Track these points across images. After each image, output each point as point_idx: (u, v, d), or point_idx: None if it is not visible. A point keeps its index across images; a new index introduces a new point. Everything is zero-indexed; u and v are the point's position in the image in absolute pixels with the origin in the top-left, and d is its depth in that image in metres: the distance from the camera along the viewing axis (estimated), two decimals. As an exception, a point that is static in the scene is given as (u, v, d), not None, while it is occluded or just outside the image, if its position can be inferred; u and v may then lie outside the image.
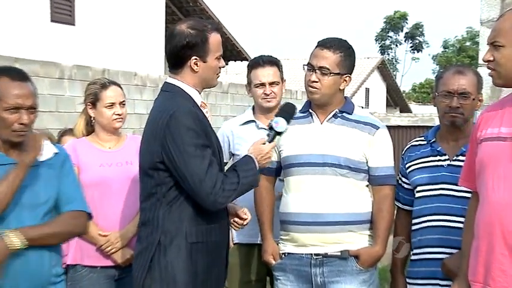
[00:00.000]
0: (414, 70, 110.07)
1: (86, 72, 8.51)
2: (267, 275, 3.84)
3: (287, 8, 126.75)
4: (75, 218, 2.82)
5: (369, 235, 3.24)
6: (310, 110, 3.26)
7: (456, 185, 3.09)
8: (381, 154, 3.22)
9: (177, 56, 2.89)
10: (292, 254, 3.24)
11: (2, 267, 2.60)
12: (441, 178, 3.17)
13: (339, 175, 3.16)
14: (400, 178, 3.38)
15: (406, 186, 3.33)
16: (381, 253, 3.21)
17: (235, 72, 21.81)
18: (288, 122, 3.04)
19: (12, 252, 2.62)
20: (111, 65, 10.23)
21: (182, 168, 2.75)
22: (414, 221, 3.25)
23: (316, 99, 3.19)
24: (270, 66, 3.84)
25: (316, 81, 3.15)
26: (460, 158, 3.15)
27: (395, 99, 35.34)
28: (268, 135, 3.04)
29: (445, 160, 3.20)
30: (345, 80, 3.21)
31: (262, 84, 3.81)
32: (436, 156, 3.23)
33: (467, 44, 51.89)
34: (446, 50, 54.08)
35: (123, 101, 3.61)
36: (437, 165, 3.21)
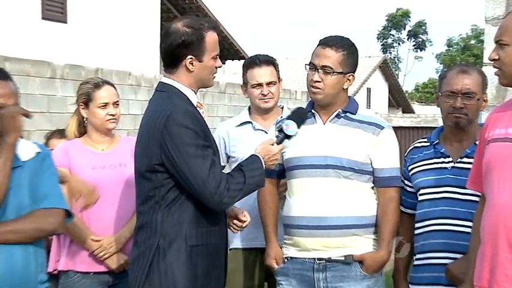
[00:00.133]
0: (417, 69, 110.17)
1: (78, 71, 8.51)
2: (266, 280, 3.84)
3: (286, 5, 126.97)
4: (47, 215, 2.73)
5: (374, 239, 3.24)
6: (313, 111, 3.26)
7: (460, 187, 3.09)
8: (385, 155, 3.21)
9: (172, 55, 2.89)
10: (295, 258, 3.24)
11: None
12: (445, 181, 3.17)
13: (342, 177, 3.16)
14: (402, 181, 3.37)
15: (408, 189, 3.33)
16: (386, 258, 3.20)
17: (232, 71, 21.80)
18: (299, 126, 3.07)
19: None
20: (105, 64, 10.22)
21: (184, 170, 2.76)
22: (417, 225, 3.24)
23: (319, 99, 3.19)
24: (267, 66, 3.84)
25: (319, 81, 3.15)
26: (465, 160, 3.15)
27: (398, 100, 35.36)
28: (277, 136, 3.07)
29: (448, 162, 3.19)
30: (348, 79, 3.21)
31: (260, 85, 3.81)
32: (439, 158, 3.22)
33: (472, 42, 51.96)
34: (450, 48, 54.15)
35: (117, 101, 3.61)
36: (440, 168, 3.21)
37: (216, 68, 2.98)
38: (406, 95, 40.19)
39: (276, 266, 3.31)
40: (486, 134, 2.65)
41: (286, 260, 3.28)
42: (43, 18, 11.53)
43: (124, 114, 8.73)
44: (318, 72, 3.15)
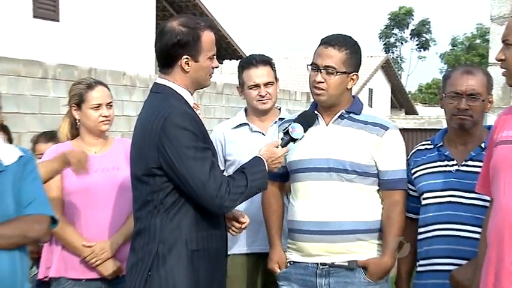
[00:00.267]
0: (420, 69, 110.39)
1: (71, 71, 8.51)
2: (265, 286, 3.84)
3: (285, 3, 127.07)
4: (32, 221, 2.72)
5: (379, 244, 3.23)
6: (316, 112, 3.26)
7: (465, 191, 3.10)
8: (390, 157, 3.21)
9: (167, 54, 2.89)
10: (298, 263, 3.25)
11: None
12: (449, 184, 3.17)
13: (345, 180, 3.16)
14: (405, 184, 3.38)
15: (412, 193, 3.33)
16: (390, 264, 3.20)
17: (230, 72, 21.81)
18: (305, 130, 3.08)
19: None
20: (98, 63, 10.23)
21: (183, 172, 2.76)
22: (421, 230, 3.24)
23: (323, 100, 3.19)
24: (264, 66, 3.84)
25: (322, 82, 3.15)
26: (469, 163, 3.15)
27: (401, 101, 35.39)
28: (282, 139, 3.08)
29: (453, 165, 3.19)
30: (352, 79, 3.21)
31: (257, 86, 3.81)
32: (443, 161, 3.22)
33: (477, 41, 51.99)
34: (455, 48, 54.18)
35: (110, 102, 3.60)
36: (445, 171, 3.21)
37: (213, 68, 2.97)
38: (409, 96, 40.21)
39: (278, 271, 3.32)
40: (495, 136, 2.65)
41: (289, 265, 3.29)
42: (34, 16, 11.53)
43: (118, 115, 8.76)
44: (321, 72, 3.15)
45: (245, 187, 2.85)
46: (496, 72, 3.06)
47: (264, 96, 3.81)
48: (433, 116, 15.70)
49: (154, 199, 2.83)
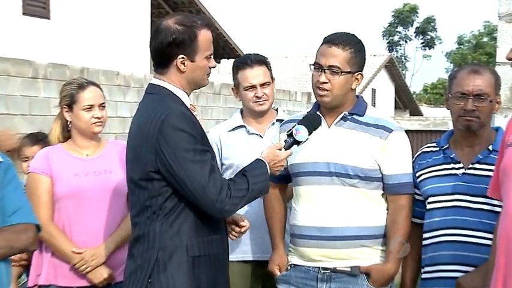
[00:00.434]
0: (425, 69, 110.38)
1: (62, 71, 8.51)
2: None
3: (285, 1, 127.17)
4: (18, 231, 2.70)
5: (383, 250, 3.24)
6: (318, 113, 3.27)
7: (472, 195, 3.10)
8: (394, 160, 3.21)
9: (163, 54, 2.89)
10: (299, 266, 3.26)
11: None
12: (455, 188, 3.17)
13: (348, 185, 3.16)
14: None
15: (416, 197, 3.33)
16: (394, 271, 3.21)
17: (228, 71, 21.74)
18: (310, 132, 3.09)
19: None
20: (91, 63, 10.23)
21: (181, 176, 2.76)
22: (426, 235, 3.25)
23: (327, 102, 3.19)
24: (259, 66, 3.84)
25: (326, 82, 3.15)
26: (476, 166, 3.15)
27: (405, 101, 35.42)
28: (285, 141, 3.08)
29: (459, 168, 3.20)
30: (357, 79, 3.21)
31: (253, 87, 3.80)
32: (449, 164, 3.23)
33: (485, 39, 52.06)
34: (461, 46, 54.25)
35: (103, 103, 3.60)
36: (450, 174, 3.21)
37: (210, 68, 2.97)
38: (414, 96, 40.26)
39: (278, 273, 3.33)
40: (506, 138, 2.65)
41: (289, 267, 3.30)
42: (24, 13, 11.52)
43: (112, 116, 8.76)
44: (325, 72, 3.15)
45: (246, 190, 2.86)
46: (504, 72, 3.07)
47: (260, 98, 3.81)
48: (438, 117, 15.72)
49: (153, 204, 2.83)
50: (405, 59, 55.78)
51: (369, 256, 3.20)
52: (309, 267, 3.23)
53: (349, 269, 3.18)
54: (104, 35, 12.66)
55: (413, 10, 52.98)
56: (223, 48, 16.96)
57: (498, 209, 2.93)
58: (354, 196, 3.17)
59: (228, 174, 3.62)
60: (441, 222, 3.18)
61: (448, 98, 3.24)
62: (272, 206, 3.39)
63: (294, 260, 3.28)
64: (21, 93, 8.02)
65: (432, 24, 54.14)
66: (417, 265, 3.33)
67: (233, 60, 4.12)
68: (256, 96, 3.81)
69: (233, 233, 3.11)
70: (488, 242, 2.93)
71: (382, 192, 3.24)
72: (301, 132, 3.07)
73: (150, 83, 2.98)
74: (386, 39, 54.58)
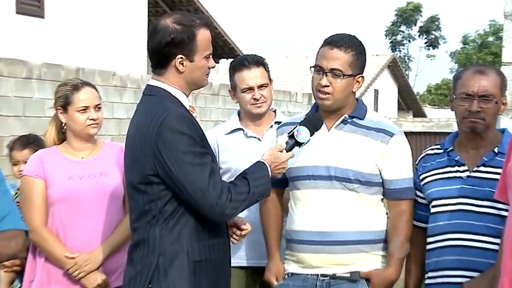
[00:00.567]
0: (429, 69, 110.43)
1: (57, 71, 8.51)
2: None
3: (285, 0, 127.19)
4: (8, 238, 2.68)
5: (383, 255, 3.25)
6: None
7: (477, 199, 3.10)
8: (395, 165, 3.22)
9: (161, 54, 2.89)
10: (297, 274, 3.26)
11: None
12: (460, 191, 3.18)
13: (348, 190, 3.18)
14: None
15: (420, 200, 3.34)
16: (395, 276, 3.22)
17: (227, 71, 21.83)
18: (312, 133, 3.08)
19: None
20: (86, 63, 10.23)
21: (181, 179, 2.76)
22: (429, 239, 3.25)
23: (328, 105, 3.19)
24: (257, 67, 3.83)
25: (328, 86, 3.16)
26: (481, 168, 3.15)
27: (408, 102, 35.42)
28: (287, 143, 3.08)
29: (464, 171, 3.20)
30: (358, 81, 3.22)
31: (250, 89, 3.80)
32: (454, 166, 3.23)
33: (490, 39, 52.03)
34: (466, 46, 54.24)
35: (99, 104, 3.61)
36: (455, 177, 3.21)
37: (209, 68, 2.98)
38: (417, 97, 40.26)
39: (275, 282, 3.33)
40: None
41: (286, 276, 3.30)
42: (17, 12, 11.52)
43: (108, 118, 8.76)
44: (326, 75, 3.15)
45: (247, 194, 2.86)
46: (510, 72, 3.07)
47: (258, 100, 3.80)
48: (442, 119, 15.73)
49: (152, 209, 2.83)
50: (408, 59, 55.77)
51: (369, 261, 3.21)
52: (307, 275, 3.23)
53: (348, 275, 3.18)
54: (100, 34, 12.66)
55: (417, 9, 52.96)
56: (222, 48, 16.97)
57: (504, 213, 2.94)
58: (353, 201, 3.18)
59: (225, 179, 3.60)
60: (445, 226, 3.18)
61: (453, 99, 3.24)
62: (268, 211, 3.38)
63: (291, 268, 3.28)
64: (15, 94, 8.02)
65: (436, 23, 54.12)
66: (421, 270, 3.33)
67: (232, 60, 4.12)
68: (254, 99, 3.80)
69: (234, 236, 3.10)
70: (494, 247, 2.94)
71: (381, 197, 3.26)
72: (302, 133, 3.07)
73: (148, 84, 2.98)
74: (389, 39, 54.57)
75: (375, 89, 31.87)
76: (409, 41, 54.97)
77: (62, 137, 3.63)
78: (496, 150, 3.16)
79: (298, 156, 3.21)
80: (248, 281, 3.78)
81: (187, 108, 2.95)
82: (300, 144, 3.08)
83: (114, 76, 9.64)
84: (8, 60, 8.12)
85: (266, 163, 2.98)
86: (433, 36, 54.31)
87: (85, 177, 3.51)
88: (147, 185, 2.82)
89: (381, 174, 3.21)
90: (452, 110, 3.29)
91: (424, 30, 53.98)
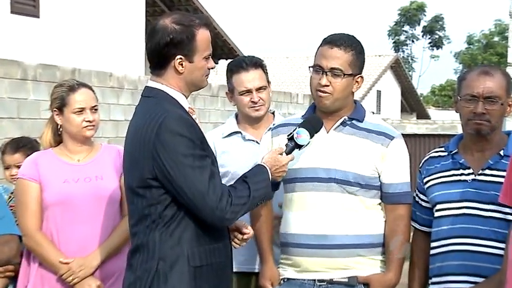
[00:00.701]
0: (433, 70, 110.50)
1: (52, 72, 8.50)
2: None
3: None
4: (1, 243, 2.70)
5: (381, 260, 3.26)
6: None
7: (482, 203, 3.10)
8: (395, 169, 3.24)
9: (160, 55, 2.90)
10: (293, 279, 3.26)
11: None
12: (465, 195, 3.18)
13: (347, 193, 3.18)
14: (417, 195, 3.38)
15: (424, 204, 3.34)
16: (395, 281, 3.23)
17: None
18: (312, 135, 3.09)
19: None
20: (83, 63, 10.23)
21: (180, 183, 2.76)
22: (433, 244, 3.25)
23: (328, 105, 3.20)
24: (255, 69, 3.83)
25: (327, 85, 3.16)
26: (487, 172, 3.15)
27: (412, 104, 35.44)
28: (286, 145, 3.08)
29: (469, 174, 3.20)
30: (357, 82, 3.24)
31: (249, 91, 3.79)
32: (458, 169, 3.23)
33: (496, 39, 52.03)
34: (471, 46, 54.26)
35: (95, 105, 3.61)
36: (460, 180, 3.21)
37: (209, 69, 2.98)
38: (421, 98, 40.28)
39: None
40: None
41: (282, 282, 3.30)
42: (12, 12, 11.52)
43: (105, 120, 8.75)
44: (326, 75, 3.16)
45: (248, 198, 2.87)
46: (516, 73, 3.08)
47: (256, 103, 3.80)
48: (447, 121, 15.69)
49: (151, 213, 2.84)
50: (412, 59, 55.80)
51: (367, 266, 3.22)
52: (304, 280, 3.23)
53: (346, 280, 3.19)
54: (96, 34, 12.66)
55: (421, 8, 53.00)
56: (221, 48, 16.97)
57: (510, 217, 2.94)
58: (352, 204, 3.19)
59: (223, 183, 3.61)
60: (450, 231, 3.18)
61: (457, 101, 3.24)
62: (259, 215, 3.36)
63: (287, 273, 3.28)
64: (9, 95, 8.01)
65: (440, 23, 54.15)
66: (424, 275, 3.33)
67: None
68: (252, 101, 3.79)
69: (236, 240, 3.10)
70: (499, 252, 2.94)
71: (379, 201, 3.27)
72: (302, 135, 3.08)
73: (146, 86, 2.99)
74: (392, 39, 54.60)
75: (377, 90, 31.89)
76: (413, 41, 55.00)
77: (58, 139, 3.63)
78: (501, 153, 3.16)
79: (297, 159, 3.20)
80: (241, 287, 3.78)
81: (187, 110, 2.95)
82: (299, 146, 3.09)
83: (111, 77, 9.63)
84: (2, 60, 8.11)
85: (266, 166, 2.99)
86: (437, 36, 54.35)
87: (81, 180, 3.52)
88: (146, 189, 2.82)
89: (379, 177, 3.22)
90: (456, 112, 3.29)
91: (428, 30, 54.02)
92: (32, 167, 3.53)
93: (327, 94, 3.17)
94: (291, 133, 3.09)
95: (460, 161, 3.23)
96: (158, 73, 2.94)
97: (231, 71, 3.87)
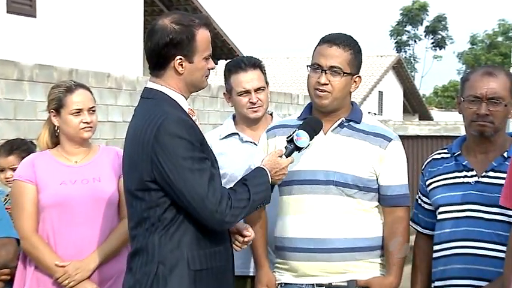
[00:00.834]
0: (436, 70, 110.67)
1: (49, 72, 8.50)
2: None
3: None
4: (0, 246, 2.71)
5: (380, 263, 3.26)
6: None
7: (485, 205, 3.10)
8: (393, 171, 3.24)
9: (159, 55, 2.90)
10: (290, 284, 3.26)
11: None
12: (468, 197, 3.18)
13: (345, 195, 3.18)
14: (419, 197, 3.39)
15: (426, 206, 3.34)
16: (395, 284, 3.23)
17: (225, 72, 21.82)
18: (311, 137, 3.09)
19: None
20: (80, 64, 10.24)
21: (179, 186, 2.77)
22: (436, 247, 3.25)
23: (326, 104, 3.20)
24: (253, 70, 3.82)
25: (326, 84, 3.17)
26: (490, 174, 3.15)
27: (414, 105, 35.45)
28: (286, 148, 3.08)
29: (472, 176, 3.20)
30: (355, 81, 3.24)
31: (247, 92, 3.79)
32: (461, 171, 3.23)
33: (499, 39, 52.12)
34: (474, 46, 54.32)
35: (93, 106, 3.61)
36: (463, 183, 3.21)
37: (209, 69, 2.98)
38: (424, 99, 40.30)
39: None
40: None
41: (279, 287, 3.29)
42: (8, 11, 11.52)
43: (102, 121, 8.75)
44: (325, 73, 3.16)
45: (247, 201, 2.87)
46: (520, 74, 3.07)
47: (255, 104, 3.79)
48: (450, 122, 15.70)
49: (151, 216, 2.84)
50: (414, 59, 55.85)
51: (366, 269, 3.22)
52: (302, 284, 3.23)
53: (345, 284, 3.19)
54: (94, 34, 12.67)
55: (423, 8, 53.05)
56: (221, 48, 16.98)
57: (513, 220, 2.94)
58: (350, 207, 3.19)
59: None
60: (452, 234, 3.18)
61: (460, 102, 3.24)
62: (253, 219, 3.32)
63: (284, 278, 3.28)
64: (6, 96, 8.01)
65: (443, 22, 54.20)
66: (427, 279, 3.33)
67: (229, 62, 4.11)
68: (251, 102, 3.79)
69: (236, 243, 3.10)
70: (503, 255, 2.93)
71: (377, 203, 3.27)
72: (302, 138, 3.07)
73: (145, 87, 2.99)
74: (394, 39, 54.65)
75: (379, 91, 31.89)
76: (415, 41, 55.06)
77: (55, 140, 3.63)
78: (505, 154, 3.16)
79: (294, 161, 3.20)
80: None
81: (187, 111, 2.95)
82: (299, 149, 3.09)
83: (109, 78, 9.64)
84: (-1, 61, 8.13)
85: (266, 169, 2.99)
86: (439, 36, 54.39)
87: (78, 182, 3.52)
88: (145, 192, 2.83)
89: (377, 179, 3.23)
90: (459, 113, 3.29)
91: (431, 30, 54.06)
92: (29, 169, 3.53)
93: (325, 93, 3.18)
94: (291, 135, 3.09)
95: (463, 163, 3.23)
96: (157, 74, 2.94)
97: (229, 72, 3.87)
